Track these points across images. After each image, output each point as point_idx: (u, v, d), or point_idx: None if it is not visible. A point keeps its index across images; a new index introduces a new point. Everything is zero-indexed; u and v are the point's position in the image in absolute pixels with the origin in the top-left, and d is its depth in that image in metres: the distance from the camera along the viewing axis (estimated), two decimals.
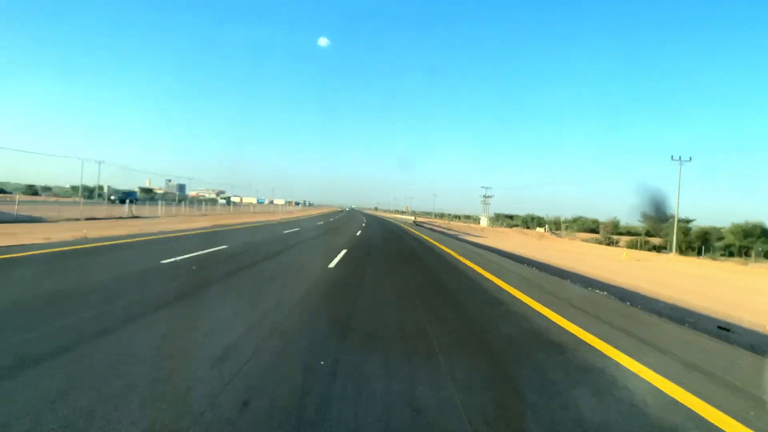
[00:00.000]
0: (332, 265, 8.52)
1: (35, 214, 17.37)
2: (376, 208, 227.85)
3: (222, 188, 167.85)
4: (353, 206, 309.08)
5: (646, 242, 35.02)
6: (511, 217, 67.80)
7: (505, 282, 7.71)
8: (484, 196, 63.98)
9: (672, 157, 33.23)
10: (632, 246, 32.58)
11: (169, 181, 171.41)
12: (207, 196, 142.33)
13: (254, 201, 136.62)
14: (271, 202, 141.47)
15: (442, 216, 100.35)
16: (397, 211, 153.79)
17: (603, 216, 57.60)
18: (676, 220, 32.05)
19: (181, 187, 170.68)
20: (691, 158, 33.07)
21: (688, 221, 41.31)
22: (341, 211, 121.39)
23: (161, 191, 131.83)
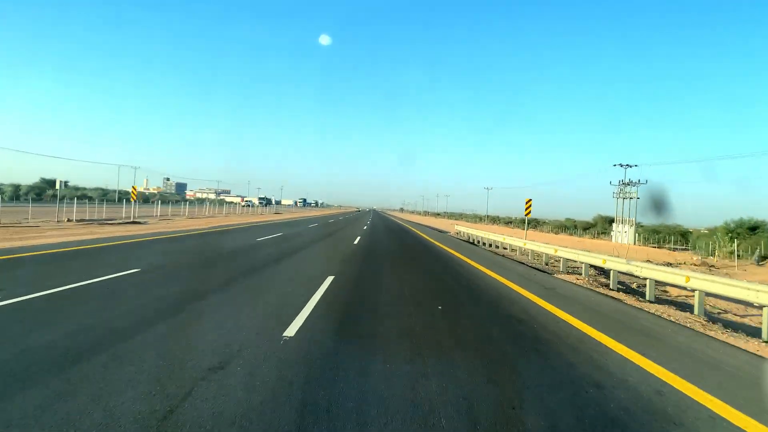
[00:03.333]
0: None
1: None
2: (401, 209, 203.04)
3: (226, 188, 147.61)
4: (374, 207, 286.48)
5: None
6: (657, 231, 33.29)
7: None
8: (623, 183, 31.49)
9: None
10: None
11: (167, 179, 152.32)
12: (205, 196, 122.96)
13: (255, 201, 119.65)
14: (277, 203, 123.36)
15: (495, 220, 72.55)
16: (428, 213, 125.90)
17: None
18: None
19: (180, 187, 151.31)
20: None
21: None
22: (357, 211, 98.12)
23: (157, 191, 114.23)
